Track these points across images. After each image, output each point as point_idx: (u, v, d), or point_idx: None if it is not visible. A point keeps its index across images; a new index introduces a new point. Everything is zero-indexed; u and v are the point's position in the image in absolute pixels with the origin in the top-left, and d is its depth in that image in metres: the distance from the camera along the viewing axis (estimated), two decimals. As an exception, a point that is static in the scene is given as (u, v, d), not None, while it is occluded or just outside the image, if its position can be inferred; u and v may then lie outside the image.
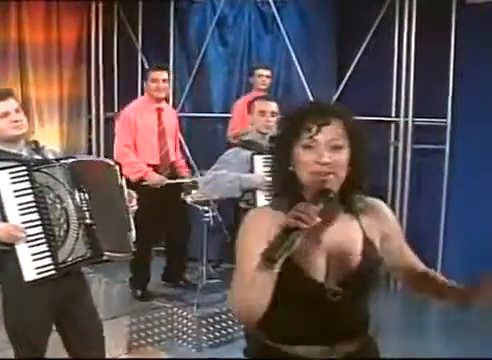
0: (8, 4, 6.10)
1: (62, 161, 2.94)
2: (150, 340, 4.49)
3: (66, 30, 6.51)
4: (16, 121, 2.94)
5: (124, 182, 2.94)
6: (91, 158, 3.18)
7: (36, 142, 3.10)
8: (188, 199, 4.74)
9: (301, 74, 5.96)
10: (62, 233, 2.85)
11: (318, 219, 1.59)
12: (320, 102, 1.82)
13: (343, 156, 1.70)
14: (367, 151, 1.78)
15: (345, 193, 1.76)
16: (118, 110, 6.16)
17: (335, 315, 1.73)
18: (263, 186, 3.69)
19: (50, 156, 3.06)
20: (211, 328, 4.49)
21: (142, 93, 5.71)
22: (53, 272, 2.81)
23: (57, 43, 6.47)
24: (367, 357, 1.86)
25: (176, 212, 5.00)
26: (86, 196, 2.94)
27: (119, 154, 4.92)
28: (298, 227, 1.56)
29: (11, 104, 2.98)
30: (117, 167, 2.93)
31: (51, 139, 6.45)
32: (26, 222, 2.78)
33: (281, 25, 6.02)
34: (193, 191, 4.76)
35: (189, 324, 4.49)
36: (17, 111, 2.98)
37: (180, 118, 6.07)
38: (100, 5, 6.61)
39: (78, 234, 2.90)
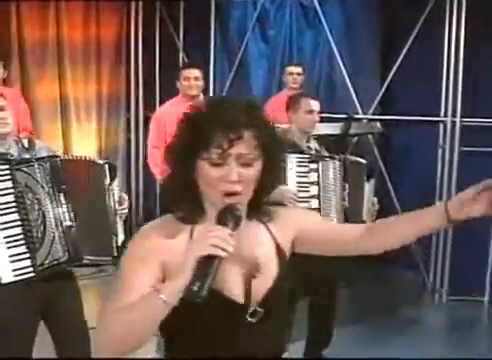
0: (47, 2, 6.07)
1: (43, 160, 2.79)
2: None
3: (105, 27, 6.44)
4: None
5: (116, 183, 2.82)
6: (78, 157, 3.00)
7: (30, 140, 3.00)
8: None
9: (344, 70, 5.67)
10: (40, 235, 2.72)
11: (233, 242, 1.40)
12: (229, 104, 1.54)
13: (252, 172, 1.52)
14: (280, 157, 1.66)
15: (254, 204, 1.60)
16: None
17: (256, 337, 1.55)
18: (292, 200, 3.46)
19: (43, 154, 2.92)
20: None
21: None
22: (32, 275, 2.70)
23: (96, 41, 6.40)
24: None
25: None
26: (66, 197, 2.78)
27: (148, 155, 4.93)
28: (218, 255, 1.38)
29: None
30: (106, 166, 2.82)
31: (88, 138, 6.41)
32: (5, 223, 2.68)
33: (323, 19, 5.74)
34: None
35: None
36: (1, 109, 2.88)
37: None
38: (140, 2, 6.50)
39: (54, 236, 2.75)
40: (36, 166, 2.76)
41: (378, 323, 4.54)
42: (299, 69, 5.44)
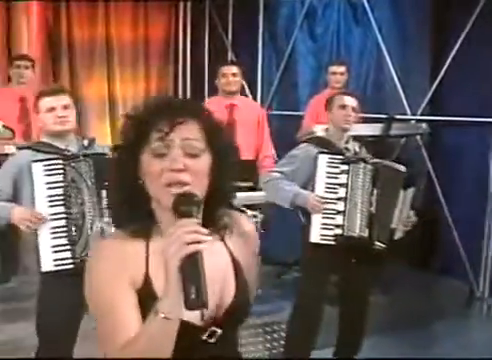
0: (96, 2, 6.15)
1: (89, 157, 2.94)
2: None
3: (153, 27, 6.50)
4: (61, 117, 3.01)
5: None
6: None
7: (91, 139, 3.17)
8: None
9: (392, 70, 5.48)
10: (79, 228, 2.88)
11: (205, 230, 1.27)
12: (172, 99, 1.47)
13: (202, 163, 1.37)
14: (234, 158, 1.46)
15: (208, 209, 1.43)
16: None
17: (215, 356, 1.43)
18: (317, 205, 3.37)
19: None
20: (269, 337, 4.26)
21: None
22: (71, 266, 2.83)
23: (144, 40, 6.47)
24: None
25: None
26: (107, 194, 2.83)
27: None
28: (197, 250, 1.24)
29: (59, 100, 3.05)
30: None
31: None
32: (52, 214, 2.84)
33: (372, 17, 5.57)
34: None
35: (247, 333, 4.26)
36: (65, 107, 3.03)
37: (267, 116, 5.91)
38: (188, 2, 6.50)
39: (92, 230, 2.88)
40: (82, 162, 2.91)
41: (412, 334, 4.36)
42: (342, 69, 5.27)
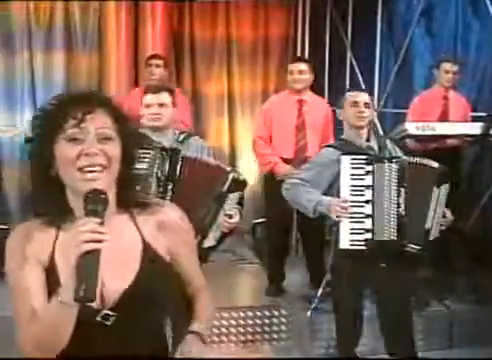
0: (217, 3, 6.42)
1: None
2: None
3: (273, 26, 6.62)
4: (154, 114, 3.39)
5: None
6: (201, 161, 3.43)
7: (188, 134, 3.58)
8: None
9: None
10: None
11: (104, 230, 1.36)
12: (81, 91, 1.56)
13: (114, 148, 1.49)
14: (138, 146, 1.62)
15: (120, 192, 1.55)
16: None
17: (111, 337, 1.49)
18: (342, 210, 3.24)
19: (190, 149, 3.40)
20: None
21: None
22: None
23: (263, 39, 6.62)
24: None
25: None
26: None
27: (252, 144, 4.99)
28: (93, 249, 1.35)
29: (156, 98, 3.42)
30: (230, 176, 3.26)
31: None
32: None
33: None
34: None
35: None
36: (161, 106, 3.40)
37: (382, 114, 5.88)
38: (308, 1, 6.55)
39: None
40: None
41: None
42: (456, 68, 5.01)
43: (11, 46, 5.99)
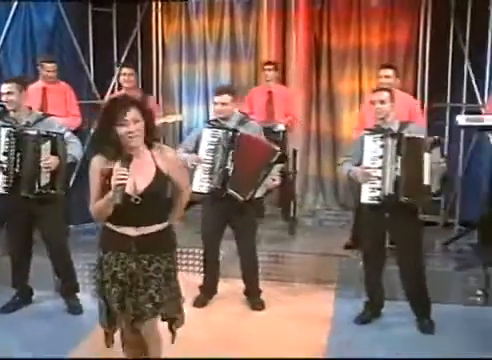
0: (350, 14, 7.59)
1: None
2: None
3: (398, 33, 7.43)
4: (219, 110, 5.06)
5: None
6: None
7: (245, 116, 5.25)
8: None
9: None
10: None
11: (127, 177, 2.99)
12: (120, 98, 3.29)
13: (140, 126, 3.09)
14: (154, 120, 3.27)
15: (146, 141, 3.17)
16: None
17: (139, 211, 3.10)
18: (365, 175, 4.49)
19: (249, 130, 5.04)
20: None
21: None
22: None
23: (389, 44, 7.48)
24: (163, 235, 3.24)
25: None
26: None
27: (353, 135, 6.22)
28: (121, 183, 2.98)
29: (218, 99, 5.01)
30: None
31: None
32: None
33: None
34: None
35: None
36: (223, 104, 4.99)
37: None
38: (429, 7, 7.18)
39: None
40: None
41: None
42: None
43: (192, 57, 8.23)
